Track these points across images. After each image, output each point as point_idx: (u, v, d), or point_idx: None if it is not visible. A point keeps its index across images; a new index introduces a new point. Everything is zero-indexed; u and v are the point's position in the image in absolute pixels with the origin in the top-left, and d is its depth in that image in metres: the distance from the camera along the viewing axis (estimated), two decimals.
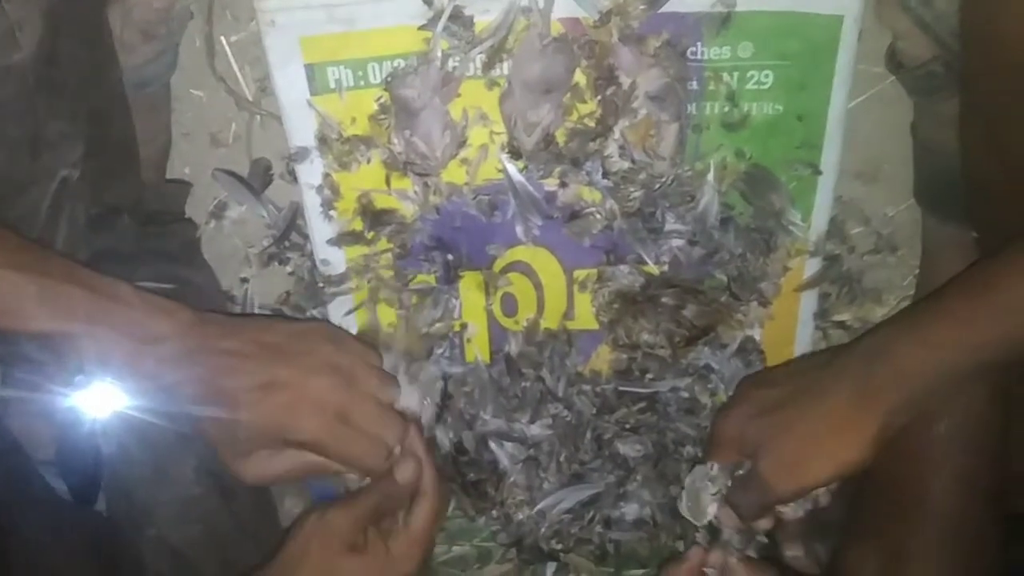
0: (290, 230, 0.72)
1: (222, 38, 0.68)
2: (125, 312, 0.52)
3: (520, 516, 0.73)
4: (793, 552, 0.71)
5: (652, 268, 0.69)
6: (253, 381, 0.54)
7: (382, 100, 0.64)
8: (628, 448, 0.72)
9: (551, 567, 0.78)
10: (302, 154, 0.66)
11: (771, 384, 0.60)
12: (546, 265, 0.70)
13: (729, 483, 0.61)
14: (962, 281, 0.51)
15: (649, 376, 0.71)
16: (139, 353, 0.52)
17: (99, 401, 0.64)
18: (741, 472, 0.60)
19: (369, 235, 0.69)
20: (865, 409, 0.51)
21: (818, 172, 0.67)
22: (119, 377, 0.54)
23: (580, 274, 0.70)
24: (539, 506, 0.72)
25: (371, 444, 0.57)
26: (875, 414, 0.51)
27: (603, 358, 0.73)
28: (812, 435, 0.53)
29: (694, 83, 0.64)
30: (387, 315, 0.71)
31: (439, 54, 0.62)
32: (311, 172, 0.67)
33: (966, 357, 0.49)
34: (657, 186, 0.65)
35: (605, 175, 0.65)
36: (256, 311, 0.75)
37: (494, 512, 0.74)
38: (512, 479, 0.72)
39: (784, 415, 0.55)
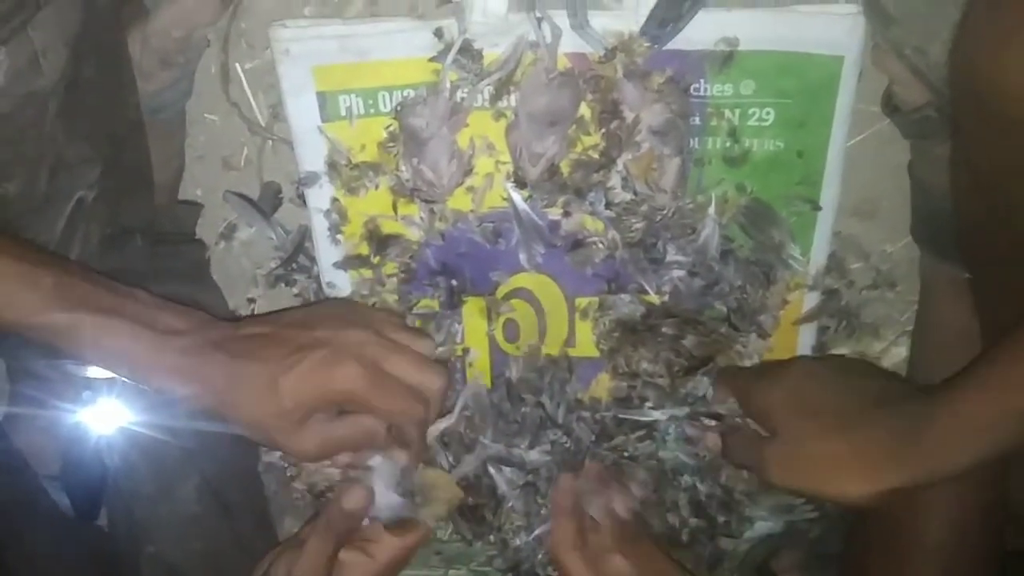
0: (298, 252, 0.74)
1: (237, 65, 0.70)
2: (143, 308, 0.51)
3: (517, 542, 0.74)
4: None
5: (653, 298, 0.70)
6: (286, 348, 0.52)
7: (391, 128, 0.65)
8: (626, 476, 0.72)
9: None
10: (311, 179, 0.67)
11: (819, 380, 0.58)
12: (548, 292, 0.71)
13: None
14: (993, 356, 0.50)
15: (648, 404, 0.72)
16: (160, 345, 0.51)
17: (104, 417, 0.65)
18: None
19: (375, 259, 0.70)
20: (886, 469, 0.51)
21: (818, 208, 0.68)
22: (137, 375, 0.52)
23: (582, 302, 0.71)
24: (536, 532, 0.72)
25: (412, 394, 0.55)
26: (898, 474, 0.51)
27: (603, 385, 0.73)
28: (828, 456, 0.53)
29: (696, 119, 0.65)
30: None
31: (448, 85, 0.63)
32: (320, 196, 0.68)
33: (995, 449, 0.49)
34: (659, 218, 0.67)
35: (608, 206, 0.66)
36: None
37: (491, 537, 0.74)
38: (510, 504, 0.72)
39: (814, 424, 0.55)
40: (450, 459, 0.72)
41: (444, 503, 0.59)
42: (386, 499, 0.56)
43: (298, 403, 0.52)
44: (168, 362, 0.51)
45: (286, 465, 0.72)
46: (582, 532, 0.63)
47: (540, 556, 0.74)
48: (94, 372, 0.63)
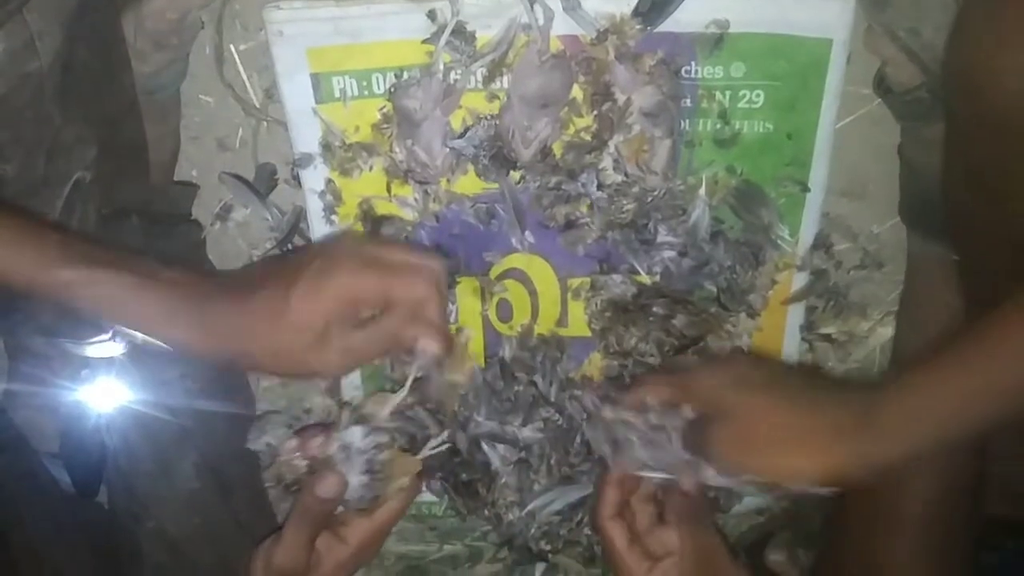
0: (293, 233, 0.74)
1: (231, 47, 0.70)
2: (146, 263, 0.51)
3: (511, 517, 0.75)
4: (776, 557, 0.73)
5: (644, 278, 0.71)
6: (286, 272, 0.53)
7: (385, 110, 0.66)
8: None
9: (540, 567, 0.80)
10: (306, 160, 0.68)
11: (765, 370, 0.59)
12: (541, 273, 0.72)
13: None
14: (956, 351, 0.50)
15: None
16: (166, 294, 0.51)
17: (103, 396, 0.66)
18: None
19: None
20: (834, 453, 0.51)
21: (806, 189, 0.69)
22: (149, 325, 0.52)
23: (574, 282, 0.72)
24: (529, 507, 0.73)
25: (416, 270, 0.55)
26: (840, 460, 0.51)
27: (595, 364, 0.74)
28: (778, 432, 0.53)
29: (687, 101, 0.66)
30: None
31: (441, 67, 0.64)
32: (314, 177, 0.69)
33: (948, 432, 0.49)
34: (650, 199, 0.67)
35: (599, 187, 0.67)
36: None
37: (485, 512, 0.76)
38: (503, 480, 0.74)
39: (764, 400, 0.55)
40: (444, 436, 0.73)
41: (406, 476, 0.59)
42: (352, 481, 0.57)
43: (311, 317, 0.52)
44: (175, 312, 0.51)
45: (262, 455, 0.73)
46: (627, 503, 0.62)
47: (533, 531, 0.75)
48: (93, 351, 0.64)
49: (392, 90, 0.65)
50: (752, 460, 0.54)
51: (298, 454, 0.55)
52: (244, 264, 0.77)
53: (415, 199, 0.69)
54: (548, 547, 0.77)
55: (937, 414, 0.49)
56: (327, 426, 0.57)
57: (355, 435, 0.56)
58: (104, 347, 0.62)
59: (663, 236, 0.69)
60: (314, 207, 0.70)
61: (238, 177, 0.73)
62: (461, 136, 0.66)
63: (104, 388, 0.65)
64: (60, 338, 0.63)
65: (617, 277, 0.71)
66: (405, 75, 0.65)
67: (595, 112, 0.65)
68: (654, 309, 0.71)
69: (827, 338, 0.78)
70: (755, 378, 0.57)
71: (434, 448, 0.62)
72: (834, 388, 0.55)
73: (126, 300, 0.50)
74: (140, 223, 0.63)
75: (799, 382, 0.56)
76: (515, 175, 0.68)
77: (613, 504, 0.60)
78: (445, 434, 0.63)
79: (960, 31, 0.53)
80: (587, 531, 0.77)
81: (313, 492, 0.54)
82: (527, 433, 0.73)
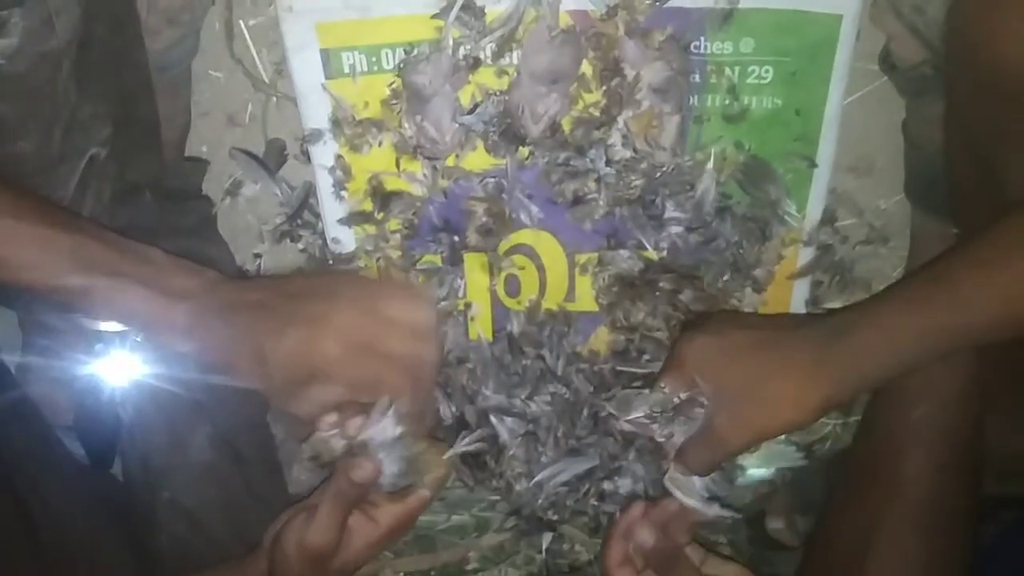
0: (303, 209, 0.74)
1: (241, 22, 0.70)
2: (155, 270, 0.53)
3: (518, 488, 0.76)
4: (775, 525, 0.74)
5: (651, 253, 0.71)
6: (277, 322, 0.54)
7: (394, 85, 0.66)
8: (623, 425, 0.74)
9: (547, 537, 0.81)
10: (316, 136, 0.68)
11: (745, 327, 0.60)
12: (549, 248, 0.72)
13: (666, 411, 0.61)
14: (922, 271, 0.54)
15: (646, 357, 0.73)
16: (167, 307, 0.53)
17: (116, 369, 0.66)
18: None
19: (379, 215, 0.71)
20: (817, 378, 0.54)
21: (814, 165, 0.70)
22: (148, 333, 0.55)
23: (581, 258, 0.72)
24: (537, 478, 0.74)
25: (402, 368, 0.56)
26: (824, 384, 0.53)
27: (602, 339, 0.75)
28: (768, 391, 0.55)
29: (696, 76, 0.66)
30: None
31: (451, 42, 0.64)
32: (324, 153, 0.69)
33: (916, 343, 0.52)
34: (658, 175, 0.68)
35: (608, 163, 0.67)
36: None
37: (494, 482, 0.77)
38: (511, 452, 0.75)
39: (747, 365, 0.56)
40: (453, 410, 0.74)
41: (438, 468, 0.61)
42: (387, 469, 0.58)
43: (285, 375, 0.55)
44: (174, 323, 0.54)
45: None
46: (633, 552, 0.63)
47: (540, 501, 0.76)
48: (106, 326, 0.65)
49: (401, 65, 0.65)
50: (756, 430, 0.56)
51: (336, 432, 0.56)
52: (255, 239, 0.77)
53: (424, 175, 0.69)
54: (555, 517, 0.78)
55: (906, 341, 0.52)
56: (366, 406, 0.57)
57: (388, 425, 0.57)
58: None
59: (671, 212, 0.70)
60: (324, 183, 0.70)
61: (248, 153, 0.74)
62: (470, 112, 0.66)
63: (117, 362, 0.66)
64: (74, 313, 0.63)
65: (624, 252, 0.71)
66: (415, 50, 0.65)
67: (604, 88, 0.65)
68: (661, 284, 0.71)
69: (832, 312, 0.79)
70: (736, 342, 0.58)
71: (467, 445, 0.64)
72: (803, 331, 0.56)
73: (130, 311, 0.54)
74: (153, 199, 0.64)
75: (774, 337, 0.57)
76: (524, 151, 0.68)
77: (622, 555, 0.61)
78: (478, 432, 0.66)
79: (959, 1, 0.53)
80: (593, 502, 0.78)
81: (348, 476, 0.55)
82: (534, 406, 0.74)
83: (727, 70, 0.66)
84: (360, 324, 0.56)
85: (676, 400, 0.60)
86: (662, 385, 0.61)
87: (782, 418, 0.55)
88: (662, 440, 0.61)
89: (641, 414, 0.61)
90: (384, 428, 0.57)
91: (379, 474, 0.56)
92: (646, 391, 0.62)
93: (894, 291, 0.55)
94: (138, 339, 0.65)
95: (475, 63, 0.65)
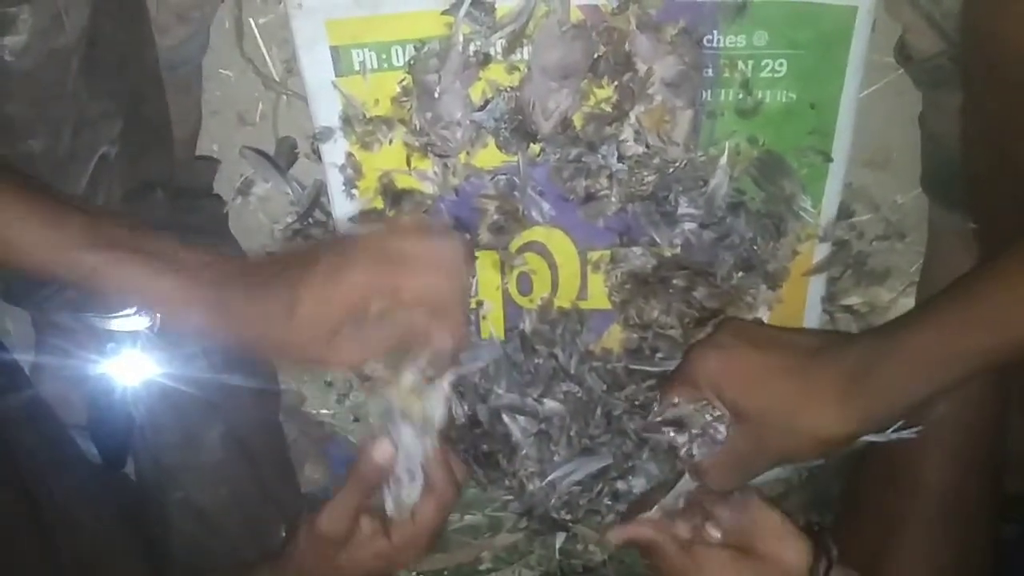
0: (313, 207, 0.74)
1: (251, 20, 0.70)
2: (166, 246, 0.51)
3: (531, 487, 0.75)
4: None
5: (664, 250, 0.71)
6: (301, 270, 0.52)
7: (405, 83, 0.66)
8: (636, 424, 0.74)
9: (560, 537, 0.81)
10: (326, 134, 0.68)
11: (762, 346, 0.57)
12: (561, 246, 0.72)
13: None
14: (948, 294, 0.51)
15: (659, 355, 0.73)
16: (183, 281, 0.51)
17: (130, 368, 0.67)
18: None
19: (390, 214, 0.70)
20: (846, 414, 0.52)
21: (829, 159, 0.69)
22: (166, 309, 0.52)
23: (594, 255, 0.72)
24: (550, 477, 0.74)
25: (430, 263, 0.53)
26: (853, 419, 0.52)
27: (614, 337, 0.75)
28: (795, 423, 0.54)
29: (709, 70, 0.65)
30: None
31: (461, 39, 0.63)
32: (335, 151, 0.69)
33: (946, 371, 0.50)
34: (671, 170, 0.67)
35: (620, 159, 0.67)
36: None
37: (507, 482, 0.76)
38: (524, 451, 0.74)
39: (772, 393, 0.55)
40: (465, 409, 0.74)
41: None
42: (402, 478, 0.57)
43: (322, 314, 0.51)
44: (192, 297, 0.51)
45: None
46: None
47: (553, 501, 0.76)
48: (118, 325, 0.65)
49: (412, 62, 0.65)
50: (784, 454, 0.55)
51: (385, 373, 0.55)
52: (266, 238, 0.77)
53: (435, 172, 0.69)
54: (568, 517, 0.78)
55: (937, 366, 0.50)
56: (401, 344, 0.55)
57: (407, 434, 0.56)
58: (129, 321, 0.63)
59: (684, 208, 0.69)
60: (334, 181, 0.70)
61: (258, 151, 0.74)
62: (481, 109, 0.66)
63: (130, 361, 0.66)
64: (86, 313, 0.63)
65: (637, 249, 0.71)
66: (425, 47, 0.65)
67: (616, 83, 0.65)
68: (674, 281, 0.71)
69: (848, 309, 0.78)
70: (752, 363, 0.56)
71: None
72: (826, 357, 0.54)
73: (147, 284, 0.50)
74: (165, 197, 0.64)
75: (795, 362, 0.55)
76: (535, 147, 0.68)
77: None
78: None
79: None
80: (607, 501, 0.77)
81: (369, 456, 0.55)
82: (547, 405, 0.74)
83: (740, 64, 0.65)
84: (382, 243, 0.53)
85: (706, 418, 0.59)
86: (674, 400, 0.60)
87: (810, 449, 0.54)
88: (686, 457, 0.60)
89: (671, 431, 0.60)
90: (403, 434, 0.56)
91: (395, 457, 0.56)
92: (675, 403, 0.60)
93: (921, 316, 0.52)
94: (152, 334, 0.65)
95: (485, 59, 0.64)
